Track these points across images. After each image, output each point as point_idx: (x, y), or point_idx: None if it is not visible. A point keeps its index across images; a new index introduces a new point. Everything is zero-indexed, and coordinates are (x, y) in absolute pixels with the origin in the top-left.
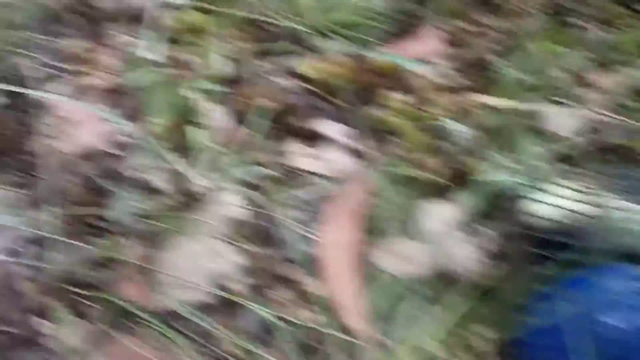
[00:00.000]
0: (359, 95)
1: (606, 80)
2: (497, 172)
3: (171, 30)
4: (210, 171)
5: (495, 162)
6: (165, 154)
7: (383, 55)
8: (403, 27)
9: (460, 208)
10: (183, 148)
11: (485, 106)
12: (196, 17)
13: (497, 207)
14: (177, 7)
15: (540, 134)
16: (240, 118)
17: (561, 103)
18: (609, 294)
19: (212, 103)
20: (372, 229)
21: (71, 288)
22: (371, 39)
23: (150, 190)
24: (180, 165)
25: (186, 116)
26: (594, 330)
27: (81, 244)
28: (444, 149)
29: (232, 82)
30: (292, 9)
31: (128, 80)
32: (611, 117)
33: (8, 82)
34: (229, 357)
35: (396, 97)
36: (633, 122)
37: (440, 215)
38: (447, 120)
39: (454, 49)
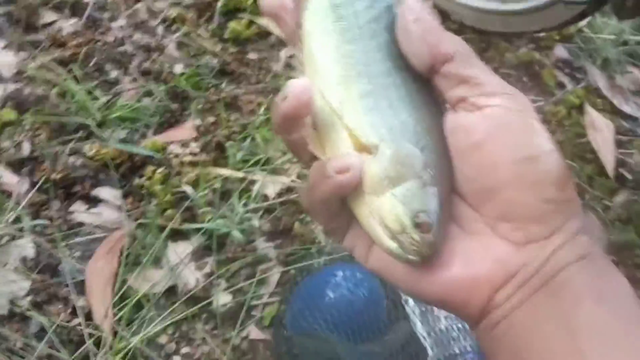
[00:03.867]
0: (130, 170)
1: None
2: (219, 220)
3: None
4: (11, 223)
5: (219, 213)
6: None
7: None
8: (169, 120)
9: (192, 245)
10: None
11: (219, 176)
12: (11, 115)
13: (218, 243)
14: None
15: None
16: (40, 186)
17: (271, 173)
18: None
19: (16, 175)
20: (131, 262)
21: None
22: (143, 129)
23: None
24: None
25: None
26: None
27: None
28: (185, 205)
29: (34, 159)
30: (84, 109)
31: None
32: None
33: None
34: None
35: (157, 171)
36: None
37: (178, 251)
38: (187, 186)
39: (204, 136)
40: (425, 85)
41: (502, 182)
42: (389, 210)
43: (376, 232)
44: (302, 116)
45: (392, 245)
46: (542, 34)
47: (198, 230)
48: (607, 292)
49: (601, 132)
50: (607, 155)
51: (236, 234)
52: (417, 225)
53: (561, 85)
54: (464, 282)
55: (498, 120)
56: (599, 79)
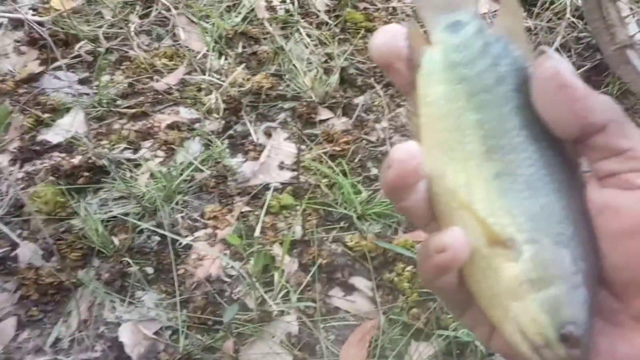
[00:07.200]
0: (382, 264)
1: None
2: (462, 329)
3: (269, 206)
4: (282, 299)
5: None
6: (255, 285)
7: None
8: None
9: (433, 348)
10: (267, 283)
11: None
12: (289, 200)
13: (459, 351)
14: (277, 189)
15: None
16: (305, 268)
17: None
18: None
19: (288, 257)
20: (378, 354)
21: None
22: (396, 225)
23: (244, 306)
24: (262, 293)
25: (272, 263)
26: None
27: (199, 336)
28: (430, 307)
29: (304, 242)
30: (348, 201)
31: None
32: None
33: (164, 228)
34: None
35: (406, 268)
36: None
37: (420, 350)
38: None
39: None
40: (563, 154)
41: None
42: (530, 319)
43: (513, 339)
44: (410, 186)
45: (532, 356)
46: None
47: (440, 334)
48: None
49: None
50: None
51: (479, 345)
52: (564, 339)
53: None
54: None
55: None
56: None
